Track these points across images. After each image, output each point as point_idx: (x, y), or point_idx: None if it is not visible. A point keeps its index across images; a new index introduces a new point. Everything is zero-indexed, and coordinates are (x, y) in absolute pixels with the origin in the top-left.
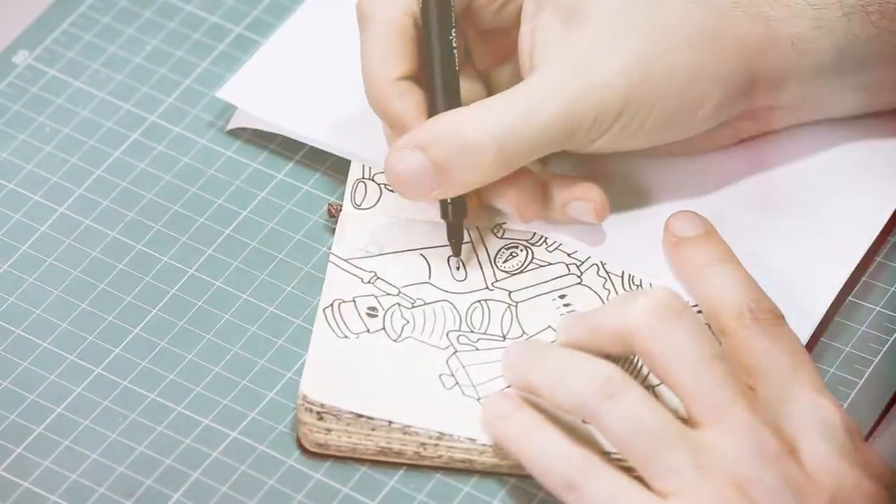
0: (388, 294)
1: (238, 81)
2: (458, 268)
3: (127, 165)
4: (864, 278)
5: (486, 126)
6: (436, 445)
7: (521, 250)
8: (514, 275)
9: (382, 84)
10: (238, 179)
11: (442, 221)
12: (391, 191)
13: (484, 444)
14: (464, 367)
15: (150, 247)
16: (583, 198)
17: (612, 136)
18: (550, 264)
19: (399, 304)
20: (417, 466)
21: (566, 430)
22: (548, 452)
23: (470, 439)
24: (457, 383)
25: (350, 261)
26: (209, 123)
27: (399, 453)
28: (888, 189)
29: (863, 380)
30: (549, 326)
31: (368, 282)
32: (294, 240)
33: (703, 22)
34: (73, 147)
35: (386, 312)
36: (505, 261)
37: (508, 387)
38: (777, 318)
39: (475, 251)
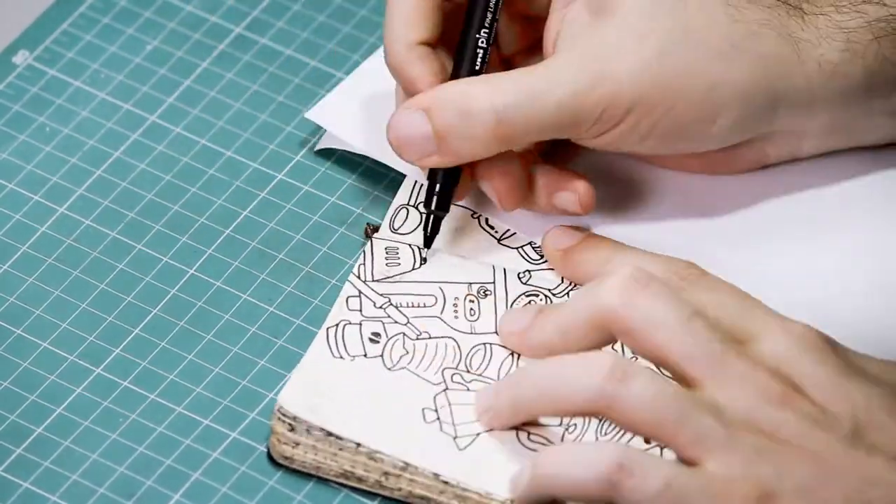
0: (396, 322)
1: (327, 104)
2: (422, 261)
3: (127, 165)
4: None
5: (490, 97)
6: (398, 476)
7: (541, 300)
8: None
9: (402, 47)
10: (238, 179)
11: (474, 259)
12: None
13: (445, 483)
14: (450, 404)
15: (150, 247)
16: (569, 189)
17: (619, 134)
18: None
19: (404, 335)
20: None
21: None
22: (576, 462)
23: (434, 475)
24: (438, 419)
25: (368, 283)
26: (209, 123)
27: (361, 479)
28: None
29: None
30: None
31: (380, 307)
32: (294, 240)
33: (731, 34)
34: (73, 147)
35: (388, 340)
36: (522, 307)
37: (491, 430)
38: (699, 270)
39: (494, 292)
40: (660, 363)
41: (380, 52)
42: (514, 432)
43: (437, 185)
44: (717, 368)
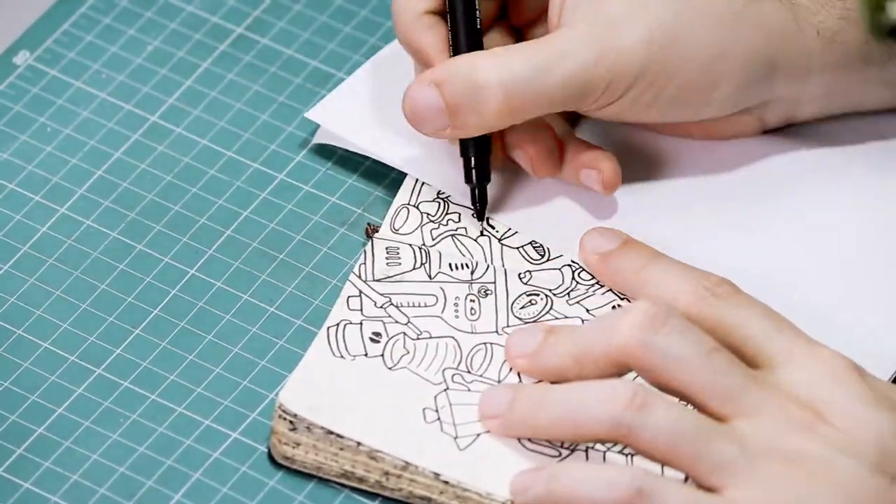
0: (397, 322)
1: (328, 104)
2: (480, 233)
3: (128, 166)
4: None
5: (497, 71)
6: (399, 477)
7: (542, 299)
8: (527, 322)
9: (410, 17)
10: (239, 180)
11: (475, 259)
12: (432, 221)
13: (446, 483)
14: (451, 405)
15: (150, 247)
16: (594, 166)
17: (625, 105)
18: (567, 317)
19: (404, 334)
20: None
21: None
22: (590, 484)
23: (435, 475)
24: (438, 419)
25: (368, 282)
26: (210, 124)
27: (361, 479)
28: None
29: None
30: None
31: (381, 306)
32: (295, 240)
33: (733, 2)
34: (73, 147)
35: (389, 340)
36: (522, 307)
37: (487, 432)
38: (732, 287)
39: (495, 292)
40: (683, 399)
41: (382, 52)
42: None
43: (472, 159)
44: (740, 401)
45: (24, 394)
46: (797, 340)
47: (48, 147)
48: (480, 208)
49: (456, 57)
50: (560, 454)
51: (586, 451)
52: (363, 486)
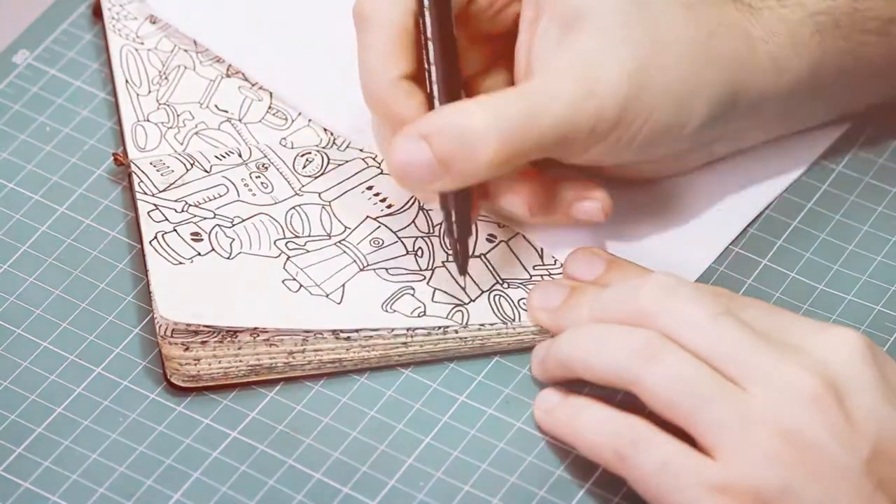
0: (205, 218)
1: None
2: (464, 287)
3: None
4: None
5: (492, 117)
6: (303, 351)
7: (316, 155)
8: (317, 177)
9: (385, 84)
10: None
11: (235, 152)
12: (169, 127)
13: (348, 339)
14: (301, 269)
15: None
16: (590, 197)
17: (605, 147)
18: (347, 161)
19: (219, 225)
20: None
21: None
22: (596, 427)
23: (333, 335)
24: (301, 286)
25: (156, 195)
26: None
27: (270, 368)
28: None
29: None
30: (368, 216)
31: (182, 210)
32: None
33: (697, 36)
34: (73, 147)
35: (209, 234)
36: (304, 167)
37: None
38: (728, 293)
39: (272, 163)
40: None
41: None
42: (372, 272)
43: (453, 212)
44: (748, 367)
45: (24, 393)
46: (810, 327)
47: (47, 146)
48: (463, 261)
49: (443, 107)
50: (424, 278)
51: (435, 269)
52: (274, 375)
